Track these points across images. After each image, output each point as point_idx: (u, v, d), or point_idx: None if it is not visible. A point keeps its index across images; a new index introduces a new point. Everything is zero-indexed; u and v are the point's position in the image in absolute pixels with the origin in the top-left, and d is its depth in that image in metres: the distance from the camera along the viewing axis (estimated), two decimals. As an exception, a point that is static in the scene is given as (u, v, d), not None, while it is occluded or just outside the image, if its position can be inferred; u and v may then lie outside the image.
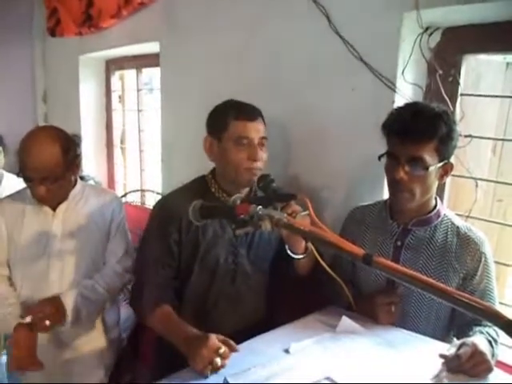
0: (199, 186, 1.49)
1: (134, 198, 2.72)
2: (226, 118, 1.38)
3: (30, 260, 1.58)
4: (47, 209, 1.60)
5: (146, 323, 1.43)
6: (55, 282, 1.60)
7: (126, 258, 1.72)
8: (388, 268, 0.79)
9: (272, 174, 1.45)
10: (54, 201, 1.60)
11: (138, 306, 1.46)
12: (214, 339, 1.15)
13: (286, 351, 1.18)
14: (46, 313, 1.44)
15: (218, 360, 1.09)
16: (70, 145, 1.55)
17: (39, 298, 1.53)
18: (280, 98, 1.82)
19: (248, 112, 1.40)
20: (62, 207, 1.62)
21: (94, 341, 1.72)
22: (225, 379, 1.02)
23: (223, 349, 1.13)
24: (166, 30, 2.36)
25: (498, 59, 1.63)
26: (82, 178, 2.78)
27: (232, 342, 1.18)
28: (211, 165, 1.51)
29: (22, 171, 1.51)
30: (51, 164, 1.47)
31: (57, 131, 1.56)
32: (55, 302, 1.49)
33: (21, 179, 1.75)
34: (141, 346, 2.80)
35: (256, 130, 1.38)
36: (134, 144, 3.16)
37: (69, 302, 1.51)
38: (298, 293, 1.60)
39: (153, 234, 1.46)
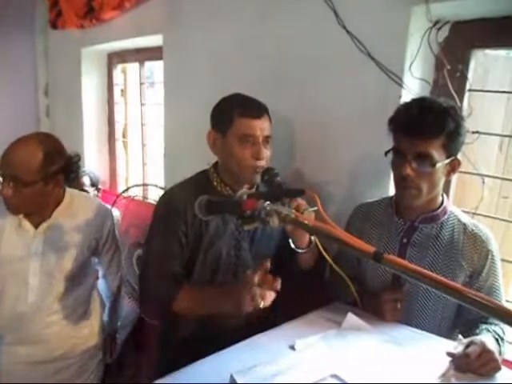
0: (201, 180, 1.48)
1: (136, 193, 2.71)
2: (232, 114, 1.36)
3: (9, 277, 1.55)
4: (29, 226, 1.53)
5: (167, 313, 1.40)
6: (33, 300, 1.56)
7: (120, 271, 1.82)
8: (399, 266, 0.77)
9: (277, 169, 1.45)
10: (20, 210, 1.50)
11: (153, 300, 1.44)
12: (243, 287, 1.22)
13: (292, 348, 1.17)
14: None
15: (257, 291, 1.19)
16: (55, 157, 1.46)
17: (18, 314, 1.55)
18: (285, 93, 1.81)
19: (254, 109, 1.38)
20: (44, 225, 1.54)
21: (86, 340, 1.73)
22: (231, 376, 1.01)
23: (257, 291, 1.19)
24: (169, 22, 2.34)
25: (505, 54, 1.61)
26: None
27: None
28: (214, 159, 1.50)
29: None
30: (25, 164, 1.40)
31: (48, 138, 1.49)
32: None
33: None
34: (143, 341, 2.81)
35: (261, 128, 1.37)
36: (137, 138, 3.15)
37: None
38: (301, 288, 1.59)
39: (161, 226, 1.44)
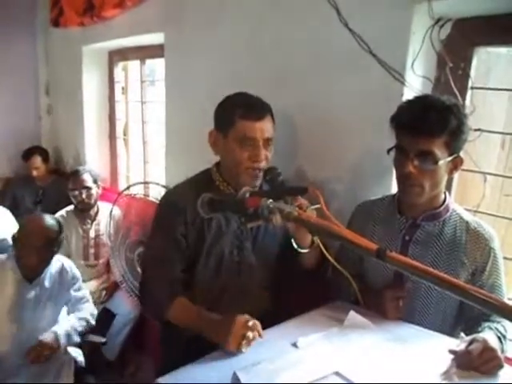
0: (204, 179, 1.48)
1: (137, 191, 2.71)
2: (233, 115, 1.35)
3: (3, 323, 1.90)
4: (24, 281, 1.95)
5: (162, 318, 1.41)
6: (24, 343, 1.90)
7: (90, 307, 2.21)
8: (402, 263, 0.78)
9: (279, 167, 1.44)
10: (36, 272, 1.96)
11: (151, 303, 1.45)
12: (240, 316, 1.20)
13: (294, 345, 1.17)
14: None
15: (250, 334, 1.15)
16: (60, 227, 2.03)
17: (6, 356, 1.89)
18: (287, 91, 1.80)
19: (256, 111, 1.37)
20: (37, 280, 1.97)
21: None
22: (234, 374, 1.01)
23: (251, 321, 1.18)
24: (170, 20, 2.34)
25: (507, 52, 1.61)
26: (77, 172, 2.82)
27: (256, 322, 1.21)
28: (215, 156, 1.50)
29: (24, 240, 1.90)
30: (51, 237, 1.94)
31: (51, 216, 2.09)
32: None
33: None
34: (143, 339, 2.81)
35: (262, 130, 1.36)
36: (138, 136, 3.15)
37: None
38: (303, 287, 1.59)
39: (160, 229, 1.45)
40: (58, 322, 2.05)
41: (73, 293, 2.14)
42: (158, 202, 1.53)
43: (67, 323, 2.06)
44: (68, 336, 2.00)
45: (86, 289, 2.26)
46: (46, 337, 1.93)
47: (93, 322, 2.21)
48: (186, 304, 1.38)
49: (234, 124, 1.36)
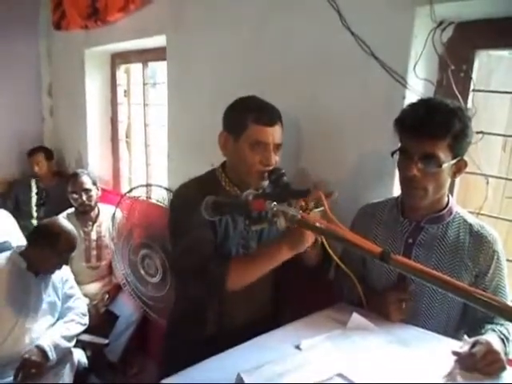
0: (210, 180, 1.49)
1: (140, 193, 2.72)
2: (246, 119, 1.37)
3: (7, 315, 1.96)
4: (30, 274, 2.05)
5: (225, 290, 1.34)
6: (25, 337, 1.98)
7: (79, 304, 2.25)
8: (407, 266, 0.78)
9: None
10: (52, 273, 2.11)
11: (207, 280, 1.35)
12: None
13: (297, 347, 1.18)
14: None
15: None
16: None
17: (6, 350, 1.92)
18: (289, 93, 1.81)
19: (268, 116, 1.38)
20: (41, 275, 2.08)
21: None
22: (238, 375, 1.01)
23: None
24: (173, 23, 2.35)
25: (509, 55, 1.61)
26: (76, 174, 2.83)
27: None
28: (218, 159, 1.51)
29: (51, 245, 2.01)
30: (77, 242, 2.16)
31: None
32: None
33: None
34: (146, 340, 2.81)
35: (274, 135, 1.38)
36: (140, 138, 3.16)
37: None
38: (306, 288, 1.59)
39: (188, 218, 1.39)
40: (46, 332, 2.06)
41: (65, 289, 2.20)
42: (167, 204, 1.52)
43: (53, 333, 2.06)
44: (56, 346, 2.00)
45: (77, 287, 2.31)
46: (32, 354, 1.92)
47: (85, 321, 2.21)
48: (240, 259, 1.40)
49: (246, 128, 1.37)
